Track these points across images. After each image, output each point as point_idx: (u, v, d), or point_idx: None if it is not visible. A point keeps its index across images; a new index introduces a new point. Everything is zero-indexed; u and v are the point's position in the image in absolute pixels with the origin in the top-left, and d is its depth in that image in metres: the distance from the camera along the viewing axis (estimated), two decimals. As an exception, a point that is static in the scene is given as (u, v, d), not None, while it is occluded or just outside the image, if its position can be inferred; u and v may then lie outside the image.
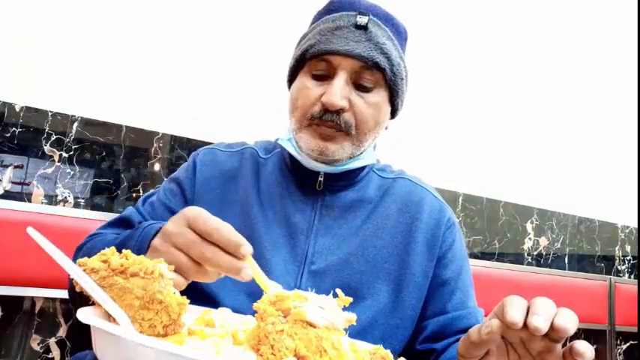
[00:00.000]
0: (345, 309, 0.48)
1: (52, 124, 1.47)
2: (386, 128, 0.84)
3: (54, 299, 1.42)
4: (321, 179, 0.80)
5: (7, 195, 1.40)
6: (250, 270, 0.50)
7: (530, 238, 2.31)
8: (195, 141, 1.66)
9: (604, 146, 2.54)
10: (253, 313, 0.48)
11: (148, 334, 0.44)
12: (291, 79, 0.82)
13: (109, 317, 0.45)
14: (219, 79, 1.73)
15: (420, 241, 0.80)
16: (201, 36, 1.70)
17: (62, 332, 1.43)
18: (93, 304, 0.47)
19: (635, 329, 2.24)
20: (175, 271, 0.49)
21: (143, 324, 0.44)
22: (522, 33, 2.34)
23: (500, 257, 2.21)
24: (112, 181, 1.54)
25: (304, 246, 0.77)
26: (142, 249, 0.55)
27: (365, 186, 0.84)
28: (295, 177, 0.82)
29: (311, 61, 0.76)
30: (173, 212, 0.69)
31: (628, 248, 2.59)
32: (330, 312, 0.46)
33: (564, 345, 0.49)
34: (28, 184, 1.43)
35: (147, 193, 0.86)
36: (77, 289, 0.46)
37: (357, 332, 0.70)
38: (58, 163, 1.47)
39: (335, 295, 0.48)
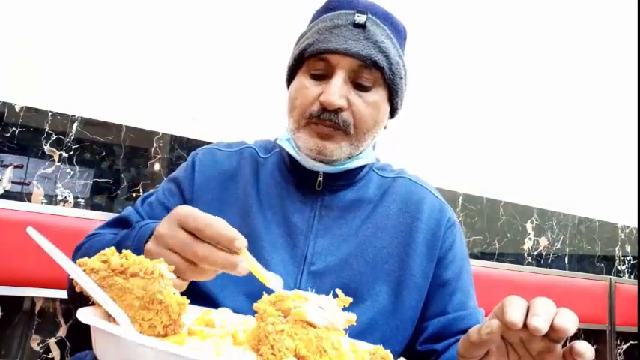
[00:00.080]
0: (344, 310, 0.48)
1: (52, 124, 1.47)
2: (385, 127, 0.83)
3: (54, 299, 1.42)
4: (321, 179, 0.80)
5: (7, 195, 1.40)
6: (246, 263, 0.50)
7: (530, 238, 2.31)
8: (195, 141, 1.65)
9: (604, 146, 2.54)
10: (253, 313, 0.48)
11: (148, 334, 0.44)
12: (290, 79, 0.81)
13: (109, 317, 0.45)
14: (219, 79, 1.73)
15: (420, 242, 0.79)
16: (201, 36, 1.70)
17: (62, 332, 1.43)
18: (93, 304, 0.47)
19: (635, 329, 2.24)
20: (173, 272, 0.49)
21: (143, 324, 0.44)
22: (522, 33, 2.34)
23: (500, 257, 2.21)
24: (112, 181, 1.54)
25: (303, 247, 0.77)
26: (137, 250, 0.55)
27: (365, 186, 0.83)
28: (294, 177, 0.82)
29: (309, 61, 0.76)
30: None
31: (628, 248, 2.59)
32: (330, 312, 0.46)
33: (564, 345, 0.49)
34: (28, 184, 1.43)
35: (146, 194, 0.86)
36: (77, 289, 0.46)
37: (356, 333, 0.70)
38: (58, 163, 1.47)
39: (335, 295, 0.48)
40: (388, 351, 0.46)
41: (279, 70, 0.83)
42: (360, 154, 0.80)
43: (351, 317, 0.48)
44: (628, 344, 2.44)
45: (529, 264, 2.27)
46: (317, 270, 0.75)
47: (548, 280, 2.07)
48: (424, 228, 0.80)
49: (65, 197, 1.47)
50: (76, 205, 1.48)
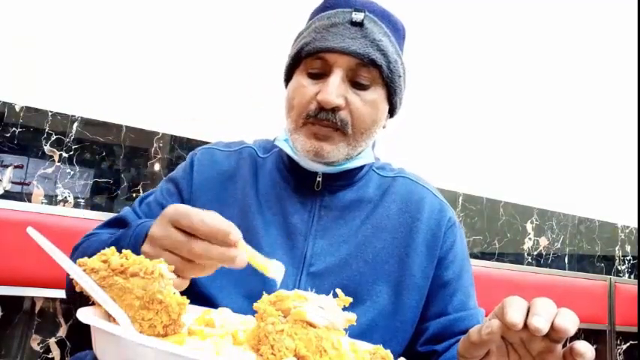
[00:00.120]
0: (344, 310, 0.48)
1: (52, 124, 1.47)
2: (384, 127, 0.82)
3: (54, 299, 1.42)
4: (320, 179, 0.79)
5: (7, 195, 1.40)
6: (244, 255, 0.50)
7: (530, 238, 2.31)
8: (195, 141, 1.65)
9: (604, 146, 2.54)
10: (252, 314, 0.48)
11: (148, 334, 0.44)
12: (288, 79, 0.81)
13: (109, 317, 0.45)
14: (219, 79, 1.73)
15: (420, 242, 0.78)
16: (201, 36, 1.70)
17: (62, 332, 1.43)
18: (93, 304, 0.47)
19: (635, 329, 2.24)
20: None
21: (143, 324, 0.44)
22: (523, 33, 2.34)
23: (500, 257, 2.21)
24: (112, 181, 1.54)
25: (303, 248, 0.76)
26: (134, 251, 0.55)
27: (364, 185, 0.82)
28: (293, 177, 0.81)
29: (306, 60, 0.75)
30: None
31: (628, 248, 2.59)
32: (330, 312, 0.46)
33: (564, 345, 0.49)
34: (28, 184, 1.43)
35: (144, 194, 0.86)
36: (77, 289, 0.46)
37: (356, 335, 0.69)
38: (58, 163, 1.47)
39: (335, 295, 0.48)
40: (388, 351, 0.46)
41: (279, 70, 0.83)
42: (358, 154, 0.79)
43: (351, 317, 0.48)
44: (628, 344, 2.44)
45: (529, 264, 2.27)
46: (316, 271, 0.75)
47: (548, 280, 2.07)
48: (424, 228, 0.79)
49: (65, 197, 1.47)
50: (76, 205, 1.48)
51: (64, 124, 1.48)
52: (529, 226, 2.31)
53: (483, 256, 2.16)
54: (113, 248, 0.47)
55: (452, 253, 0.80)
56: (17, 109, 1.43)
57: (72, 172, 1.48)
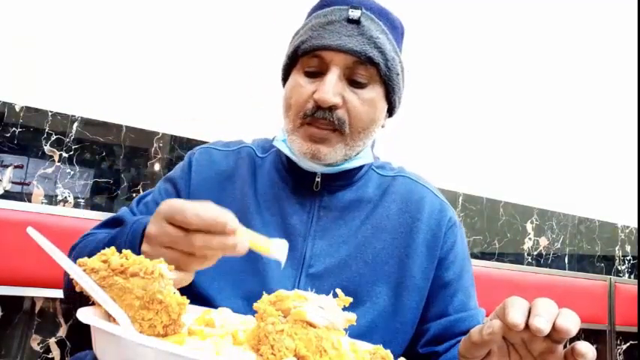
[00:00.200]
0: (344, 310, 0.48)
1: (52, 124, 1.47)
2: (382, 126, 0.81)
3: (54, 299, 1.42)
4: (318, 180, 0.78)
5: (7, 195, 1.40)
6: (244, 242, 0.50)
7: (530, 238, 2.31)
8: (195, 141, 1.65)
9: (604, 146, 2.54)
10: (251, 315, 0.48)
11: (148, 334, 0.43)
12: (285, 78, 0.80)
13: (109, 317, 0.45)
14: (219, 79, 1.73)
15: (420, 242, 0.78)
16: (201, 36, 1.70)
17: (62, 332, 1.43)
18: (93, 304, 0.47)
19: (635, 329, 2.24)
20: (175, 268, 0.49)
21: (143, 324, 0.44)
22: (523, 32, 2.34)
23: (500, 257, 2.21)
24: (112, 181, 1.54)
25: (302, 249, 0.75)
26: (131, 249, 0.55)
27: (364, 185, 0.82)
28: (292, 177, 0.80)
29: (303, 58, 0.74)
30: None
31: (628, 248, 2.59)
32: (330, 312, 0.46)
33: (565, 346, 0.49)
34: (28, 184, 1.43)
35: (142, 194, 0.85)
36: (77, 289, 0.45)
37: (356, 336, 0.68)
38: (58, 163, 1.47)
39: (335, 295, 0.48)
40: (388, 351, 0.46)
41: (278, 70, 0.82)
42: (357, 154, 0.78)
43: (351, 317, 0.48)
44: (628, 344, 2.44)
45: (529, 264, 2.27)
46: (316, 272, 0.74)
47: (548, 280, 2.07)
48: (424, 228, 0.78)
49: (65, 197, 1.47)
50: (76, 205, 1.48)
51: (64, 124, 1.48)
52: (529, 226, 2.31)
53: (483, 256, 2.16)
54: (113, 248, 0.47)
55: (452, 253, 0.80)
56: (17, 109, 1.43)
57: (72, 172, 1.48)
